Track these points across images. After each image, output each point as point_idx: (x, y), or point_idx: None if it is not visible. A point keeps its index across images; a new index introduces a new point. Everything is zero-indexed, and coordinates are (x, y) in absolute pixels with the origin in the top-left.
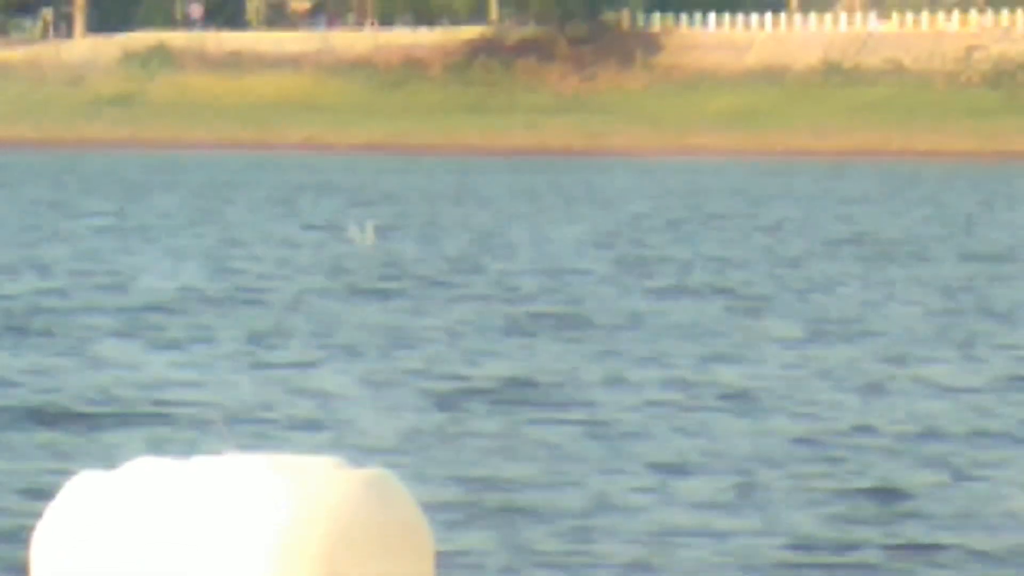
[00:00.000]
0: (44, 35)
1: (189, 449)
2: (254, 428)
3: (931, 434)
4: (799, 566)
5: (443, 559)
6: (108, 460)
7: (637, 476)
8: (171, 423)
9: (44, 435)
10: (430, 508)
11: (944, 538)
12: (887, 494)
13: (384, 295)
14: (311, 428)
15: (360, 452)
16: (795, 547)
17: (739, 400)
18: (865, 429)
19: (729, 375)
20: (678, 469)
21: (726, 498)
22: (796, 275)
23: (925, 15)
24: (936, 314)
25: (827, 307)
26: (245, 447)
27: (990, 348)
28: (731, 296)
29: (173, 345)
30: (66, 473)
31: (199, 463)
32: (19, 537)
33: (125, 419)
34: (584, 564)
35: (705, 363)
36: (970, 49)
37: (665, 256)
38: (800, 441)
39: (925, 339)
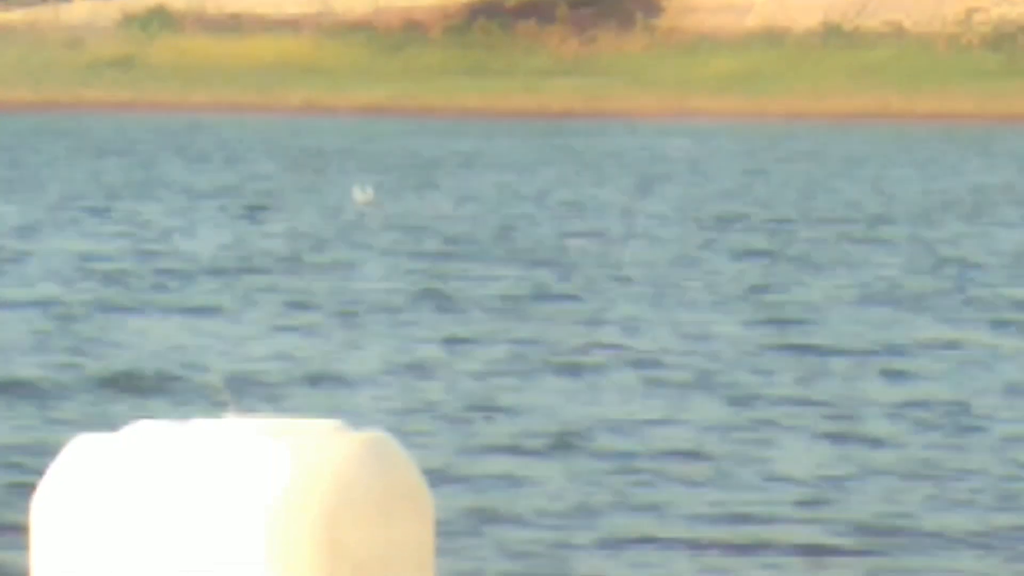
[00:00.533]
0: None
1: (196, 414)
2: (277, 392)
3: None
4: None
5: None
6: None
7: None
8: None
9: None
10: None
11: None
12: None
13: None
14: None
15: (379, 419)
16: None
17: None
18: None
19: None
20: None
21: None
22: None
23: None
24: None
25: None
26: (250, 411)
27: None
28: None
29: (202, 311)
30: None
31: (198, 426)
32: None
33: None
34: None
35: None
36: (970, 11)
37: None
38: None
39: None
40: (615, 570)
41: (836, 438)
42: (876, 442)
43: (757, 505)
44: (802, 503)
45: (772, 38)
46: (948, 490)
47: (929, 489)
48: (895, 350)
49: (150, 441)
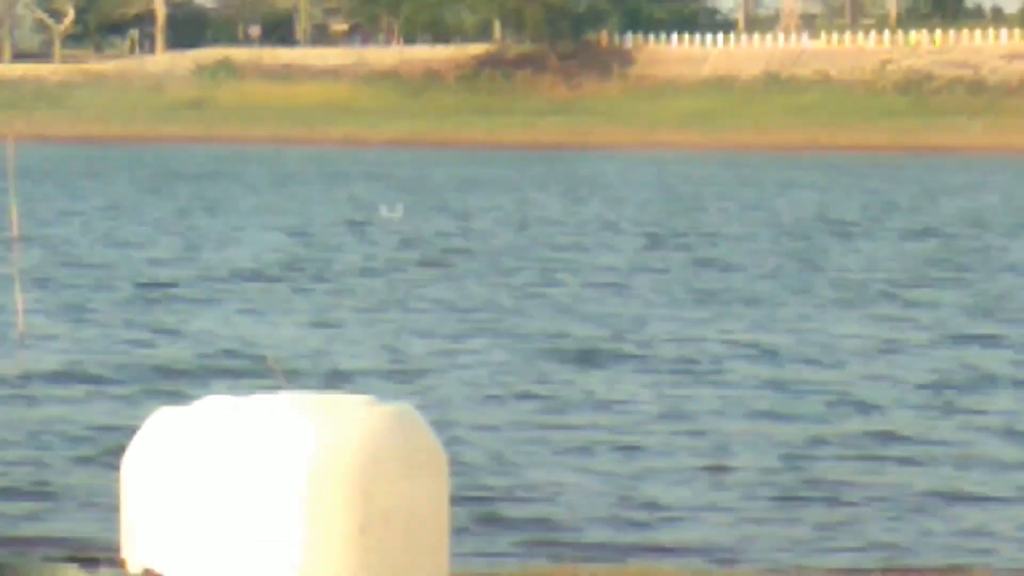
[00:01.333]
0: (131, 51)
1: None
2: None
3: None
4: None
5: None
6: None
7: None
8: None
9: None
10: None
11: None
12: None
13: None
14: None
15: (413, 396)
16: None
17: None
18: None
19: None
20: None
21: None
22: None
23: (848, 35)
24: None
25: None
26: (298, 388)
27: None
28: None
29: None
30: None
31: (254, 400)
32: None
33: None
34: None
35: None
36: (884, 63)
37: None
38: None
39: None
40: None
41: None
42: None
43: None
44: None
45: (723, 84)
46: None
47: None
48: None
49: (217, 413)
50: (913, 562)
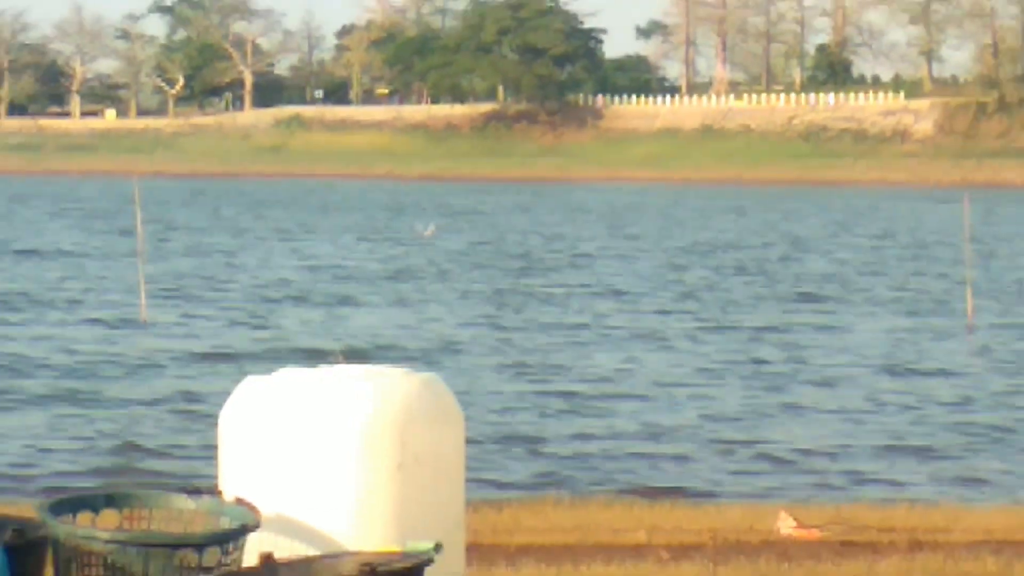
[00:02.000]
0: (226, 108)
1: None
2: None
3: None
4: None
5: None
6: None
7: None
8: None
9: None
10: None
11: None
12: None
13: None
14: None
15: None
16: None
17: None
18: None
19: None
20: None
21: None
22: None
23: (763, 96)
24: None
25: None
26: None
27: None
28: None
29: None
30: None
31: (321, 371)
32: None
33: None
34: None
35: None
36: (791, 118)
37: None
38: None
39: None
40: None
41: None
42: None
43: None
44: None
45: (670, 134)
46: None
47: None
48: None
49: (292, 380)
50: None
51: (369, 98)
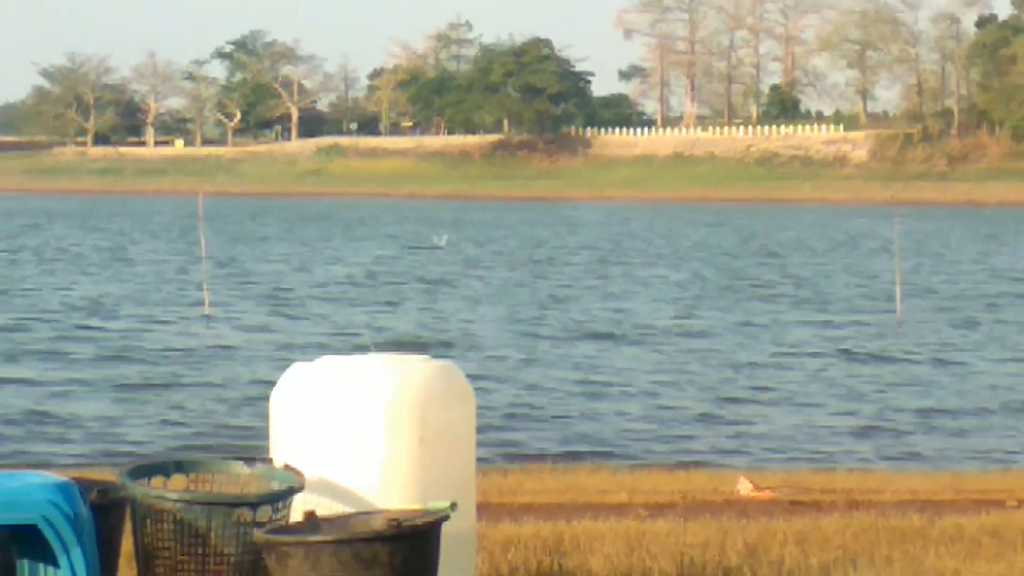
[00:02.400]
0: (276, 139)
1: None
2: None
3: None
4: None
5: None
6: None
7: None
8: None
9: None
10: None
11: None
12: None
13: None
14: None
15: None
16: None
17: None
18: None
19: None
20: None
21: None
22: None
23: (726, 128)
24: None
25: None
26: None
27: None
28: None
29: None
30: None
31: (354, 359)
32: None
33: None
34: None
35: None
36: (748, 146)
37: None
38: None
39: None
40: None
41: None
42: None
43: None
44: None
45: (648, 160)
46: None
47: None
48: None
49: (330, 366)
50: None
51: (396, 130)
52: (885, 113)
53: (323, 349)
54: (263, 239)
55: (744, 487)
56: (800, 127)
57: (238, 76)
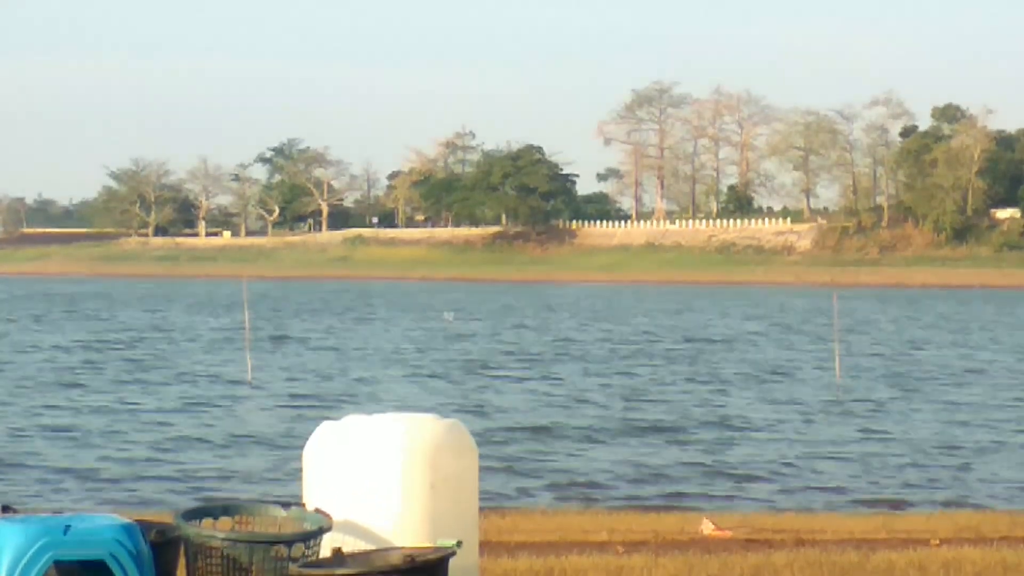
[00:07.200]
0: (309, 230)
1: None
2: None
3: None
4: None
5: None
6: None
7: None
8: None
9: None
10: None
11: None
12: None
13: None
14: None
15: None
16: None
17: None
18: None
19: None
20: None
21: None
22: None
23: (691, 221)
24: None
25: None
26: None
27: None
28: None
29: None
30: None
31: (375, 417)
32: None
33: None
34: None
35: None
36: (710, 236)
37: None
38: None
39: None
40: None
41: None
42: None
43: None
44: None
45: (624, 248)
46: None
47: None
48: None
49: (355, 423)
50: None
51: (410, 222)
52: (825, 209)
53: (352, 405)
54: (299, 314)
55: (707, 527)
56: (753, 221)
57: (277, 177)
